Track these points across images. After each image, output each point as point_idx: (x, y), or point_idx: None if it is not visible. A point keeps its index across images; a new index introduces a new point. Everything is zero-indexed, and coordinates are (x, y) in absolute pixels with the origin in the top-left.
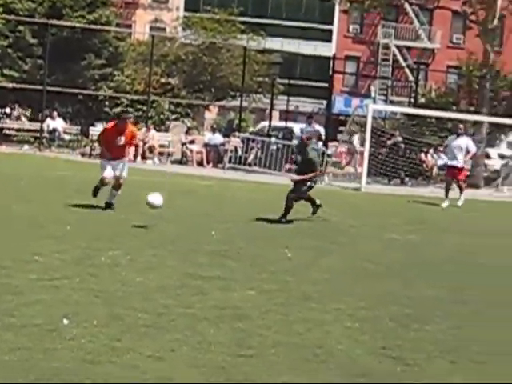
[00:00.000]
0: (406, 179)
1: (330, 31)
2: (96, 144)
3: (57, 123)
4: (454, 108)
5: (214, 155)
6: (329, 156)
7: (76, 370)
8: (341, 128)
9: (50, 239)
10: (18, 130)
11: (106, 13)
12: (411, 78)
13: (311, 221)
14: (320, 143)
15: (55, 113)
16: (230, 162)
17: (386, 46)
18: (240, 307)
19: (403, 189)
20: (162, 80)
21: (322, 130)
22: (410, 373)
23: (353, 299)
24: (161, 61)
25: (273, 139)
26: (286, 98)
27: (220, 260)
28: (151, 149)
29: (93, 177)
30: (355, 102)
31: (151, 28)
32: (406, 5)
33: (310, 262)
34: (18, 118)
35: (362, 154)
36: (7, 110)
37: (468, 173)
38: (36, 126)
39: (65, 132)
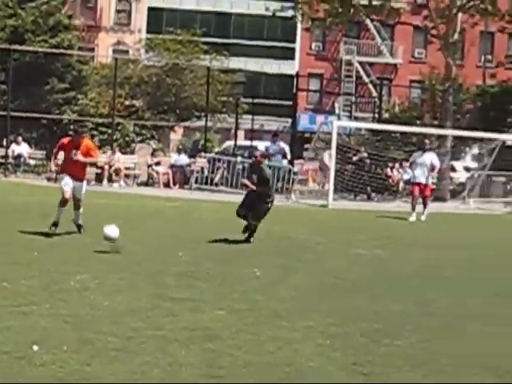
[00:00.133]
0: (373, 194)
1: (293, 49)
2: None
3: (22, 148)
4: (418, 122)
5: (181, 176)
6: (295, 174)
7: None
8: (306, 145)
9: (17, 265)
10: None
11: (68, 37)
12: (375, 93)
13: (278, 239)
14: (285, 161)
15: (20, 138)
16: (196, 182)
17: (349, 63)
18: (210, 328)
19: (370, 204)
20: (127, 102)
21: (287, 148)
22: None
23: (322, 316)
24: (124, 83)
25: (239, 158)
26: (250, 117)
27: (189, 281)
28: (117, 171)
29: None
30: (320, 119)
31: (114, 51)
32: (368, 21)
33: (279, 280)
34: None
35: None
36: None
37: (434, 187)
38: (1, 151)
39: (30, 157)
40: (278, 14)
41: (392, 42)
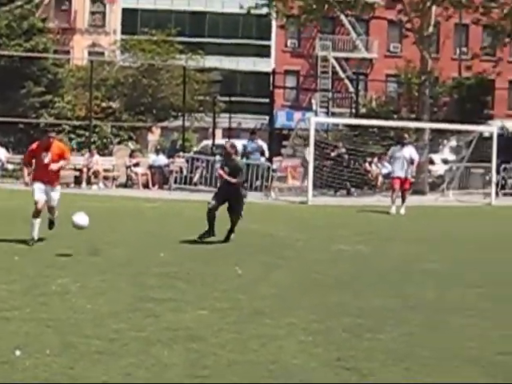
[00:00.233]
0: (352, 190)
1: (268, 47)
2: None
3: None
4: (395, 116)
5: (159, 177)
6: (273, 171)
7: None
8: (284, 142)
9: None
10: None
11: (43, 40)
12: (351, 88)
13: (259, 237)
14: (263, 158)
15: None
16: (175, 182)
17: (325, 59)
18: (193, 328)
19: (349, 199)
20: (103, 104)
21: (265, 146)
22: (365, 383)
23: (304, 312)
24: (101, 85)
25: (217, 157)
26: (227, 115)
27: (170, 281)
28: (96, 174)
29: None
30: (297, 115)
31: (89, 53)
32: (342, 16)
33: (260, 278)
34: None
35: None
36: None
37: (413, 180)
38: None
39: (8, 162)
40: (252, 11)
41: (367, 36)
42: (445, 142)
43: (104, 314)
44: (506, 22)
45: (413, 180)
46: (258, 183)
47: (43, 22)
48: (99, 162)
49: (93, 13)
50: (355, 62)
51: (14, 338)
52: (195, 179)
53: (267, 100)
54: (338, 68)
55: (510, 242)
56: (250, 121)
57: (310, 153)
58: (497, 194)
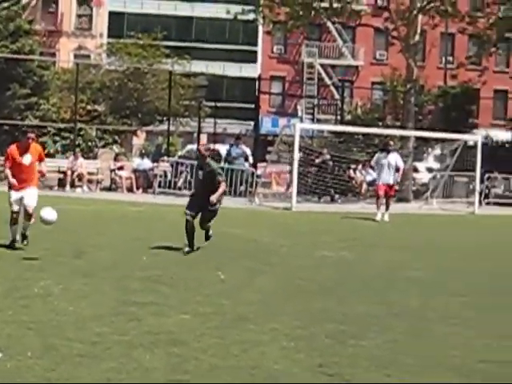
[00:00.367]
0: (336, 196)
1: (255, 52)
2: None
3: None
4: (380, 124)
5: (144, 180)
6: (258, 177)
7: None
8: (269, 148)
9: None
10: None
11: (29, 42)
12: (337, 95)
13: (242, 242)
14: (247, 164)
15: None
16: (159, 186)
17: (311, 65)
18: (175, 332)
19: (333, 206)
20: (89, 107)
21: (249, 151)
22: None
23: (288, 318)
24: (86, 88)
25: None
26: (213, 120)
27: (153, 285)
28: (80, 177)
29: None
30: (282, 121)
31: (75, 56)
32: (329, 23)
33: (244, 284)
34: None
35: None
36: None
37: (397, 187)
38: None
39: None
40: (239, 17)
41: (353, 44)
42: (429, 150)
43: (86, 317)
44: (492, 32)
45: (397, 187)
46: (243, 189)
47: (30, 23)
48: (83, 165)
49: (79, 16)
50: (341, 69)
51: None
52: (179, 183)
53: (253, 106)
54: (323, 75)
55: (493, 252)
56: (235, 126)
57: (295, 159)
58: (480, 203)
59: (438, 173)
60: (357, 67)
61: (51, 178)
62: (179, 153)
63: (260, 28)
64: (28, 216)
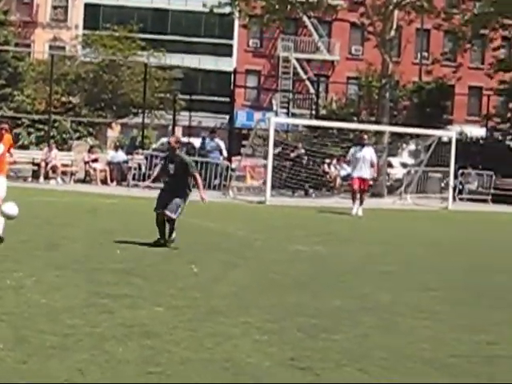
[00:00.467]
0: (310, 191)
1: (230, 46)
2: None
3: None
4: (355, 118)
5: (118, 173)
6: (232, 170)
7: None
8: (244, 142)
9: None
10: None
11: (3, 33)
12: (312, 90)
13: (216, 236)
14: (221, 157)
15: None
16: (133, 179)
17: (286, 59)
18: (148, 324)
19: (307, 200)
20: (63, 99)
21: (223, 145)
22: (319, 382)
23: (260, 312)
24: (61, 80)
25: None
26: (188, 113)
27: (127, 278)
28: (54, 169)
29: None
30: (257, 115)
31: (50, 47)
32: (305, 18)
33: (217, 277)
34: None
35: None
36: None
37: (371, 182)
38: None
39: None
40: (215, 10)
41: (329, 38)
42: (404, 145)
43: (59, 309)
44: (467, 28)
45: (371, 182)
46: (217, 182)
47: (5, 14)
48: (58, 157)
49: (55, 7)
50: (317, 64)
51: None
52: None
53: (228, 99)
54: (299, 69)
55: (465, 247)
56: (210, 119)
57: (270, 153)
58: (454, 198)
59: (412, 168)
60: (332, 62)
61: (25, 170)
62: (153, 145)
63: (236, 21)
64: None
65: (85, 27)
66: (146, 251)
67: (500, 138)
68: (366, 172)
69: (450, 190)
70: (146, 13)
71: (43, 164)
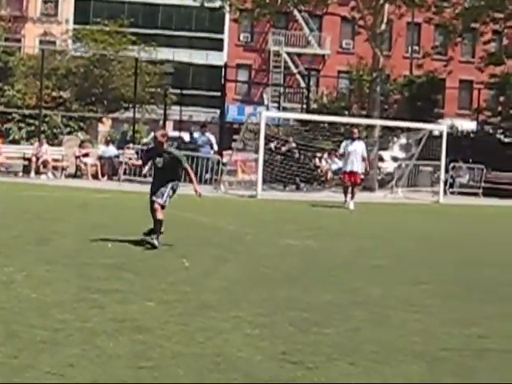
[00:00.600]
0: (302, 185)
1: (221, 40)
2: None
3: None
4: (346, 112)
5: (109, 167)
6: (224, 164)
7: None
8: (235, 136)
9: None
10: None
11: None
12: (303, 84)
13: (207, 230)
14: (212, 151)
15: None
16: (124, 173)
17: (277, 54)
18: (139, 319)
19: (298, 194)
20: (54, 94)
21: (213, 139)
22: (310, 376)
23: (251, 306)
24: (52, 74)
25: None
26: (178, 107)
27: (118, 272)
28: (45, 163)
29: None
30: (248, 109)
31: (41, 42)
32: (296, 12)
33: (208, 271)
34: None
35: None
36: None
37: (363, 176)
38: None
39: None
40: (205, 4)
41: (320, 32)
42: (395, 139)
43: (49, 304)
44: (458, 22)
45: (362, 176)
46: (208, 176)
47: None
48: (48, 152)
49: (45, 1)
50: (307, 58)
51: None
52: (144, 171)
53: (219, 93)
54: (290, 63)
55: (456, 241)
56: (201, 114)
57: (261, 147)
58: (445, 192)
59: (403, 162)
60: (323, 56)
61: (16, 165)
62: (144, 140)
63: (227, 16)
64: None
65: (75, 22)
66: (137, 246)
67: (491, 131)
68: (357, 166)
69: (441, 184)
70: (137, 7)
71: (34, 159)
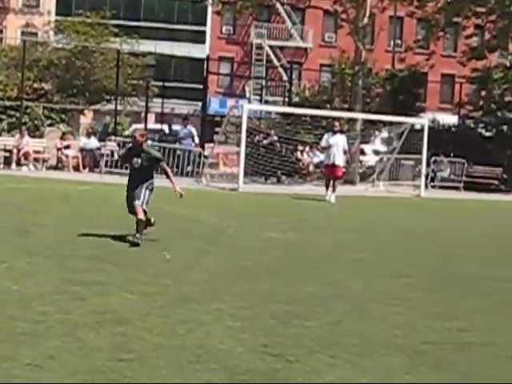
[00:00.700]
0: (283, 178)
1: (203, 32)
2: None
3: None
4: (328, 106)
5: (90, 160)
6: (205, 157)
7: None
8: (217, 129)
9: None
10: None
11: None
12: (285, 77)
13: (189, 222)
14: (193, 144)
15: None
16: (106, 165)
17: (260, 46)
18: (120, 311)
19: (280, 187)
20: (35, 85)
21: (195, 131)
22: (291, 369)
23: (233, 299)
24: (33, 66)
25: (149, 142)
26: (160, 100)
27: (99, 264)
28: (26, 155)
29: None
30: (230, 102)
31: (23, 33)
32: (278, 5)
33: (190, 264)
34: None
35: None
36: None
37: (344, 169)
38: None
39: None
40: None
41: (302, 25)
42: (376, 132)
43: (30, 296)
44: (440, 16)
45: (344, 170)
46: (190, 169)
47: None
48: (30, 144)
49: None
50: (290, 51)
51: None
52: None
53: (201, 86)
54: (272, 56)
55: (437, 234)
56: (183, 106)
57: (242, 140)
58: (426, 186)
59: (384, 155)
60: (305, 49)
61: None
62: (126, 132)
63: (209, 8)
64: None
65: (57, 13)
66: (119, 238)
67: (472, 125)
68: (338, 159)
69: (423, 178)
70: None
71: (15, 151)
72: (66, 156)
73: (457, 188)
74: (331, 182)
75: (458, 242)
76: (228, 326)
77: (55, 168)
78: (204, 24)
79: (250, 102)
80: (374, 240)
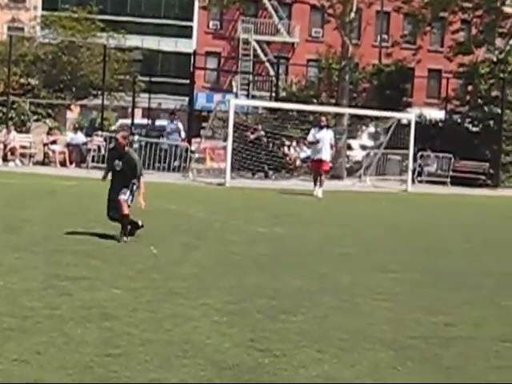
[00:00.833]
0: (270, 173)
1: (190, 27)
2: None
3: None
4: (315, 101)
5: (77, 155)
6: (192, 152)
7: None
8: (204, 124)
9: None
10: None
11: None
12: (272, 72)
13: (176, 217)
14: (180, 139)
15: None
16: (93, 161)
17: (246, 41)
18: (107, 306)
19: (267, 182)
20: (22, 80)
21: (181, 126)
22: (277, 364)
23: (220, 293)
24: (20, 61)
25: (136, 137)
26: (147, 95)
27: (86, 260)
28: (12, 150)
29: None
30: (217, 97)
31: (9, 28)
32: (265, 0)
33: (177, 259)
34: None
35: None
36: None
37: (331, 164)
38: None
39: None
40: None
41: (289, 20)
42: (363, 127)
43: (17, 292)
44: (427, 11)
45: (331, 164)
46: (177, 164)
47: None
48: (16, 139)
49: None
50: (277, 46)
51: None
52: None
53: (187, 81)
54: (259, 51)
55: (424, 229)
56: (169, 101)
57: (229, 134)
58: (413, 180)
59: (371, 150)
60: (292, 44)
61: None
62: (113, 127)
63: (196, 3)
64: None
65: (44, 8)
66: (106, 233)
67: (459, 120)
68: (325, 154)
69: (409, 173)
70: None
71: (1, 146)
72: (53, 151)
73: (444, 183)
74: (318, 177)
75: (444, 236)
76: (215, 320)
77: (42, 163)
78: (191, 19)
79: (236, 96)
80: (361, 235)
